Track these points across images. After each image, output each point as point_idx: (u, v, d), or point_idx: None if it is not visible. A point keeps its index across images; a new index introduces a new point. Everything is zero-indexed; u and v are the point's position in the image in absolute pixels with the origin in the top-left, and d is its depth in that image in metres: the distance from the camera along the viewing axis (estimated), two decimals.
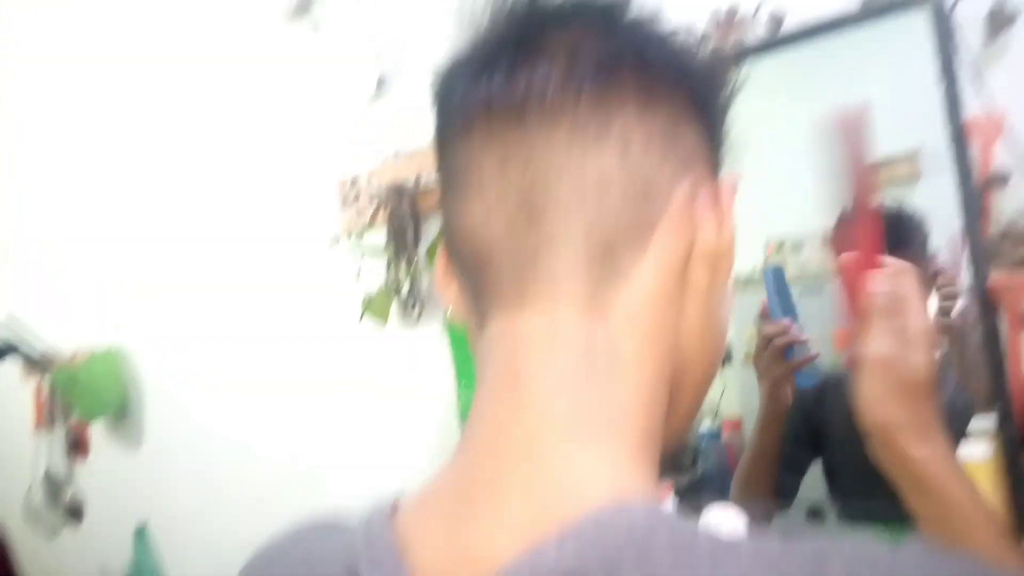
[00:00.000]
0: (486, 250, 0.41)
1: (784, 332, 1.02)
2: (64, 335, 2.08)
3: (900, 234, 0.97)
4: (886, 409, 0.54)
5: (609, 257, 0.39)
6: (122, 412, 2.02)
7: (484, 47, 0.42)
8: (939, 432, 0.55)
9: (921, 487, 0.54)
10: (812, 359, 1.02)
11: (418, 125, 0.87)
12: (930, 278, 0.98)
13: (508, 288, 0.40)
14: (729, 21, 1.14)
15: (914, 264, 0.94)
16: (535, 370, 0.39)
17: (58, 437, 2.20)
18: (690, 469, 1.21)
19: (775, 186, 1.16)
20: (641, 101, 0.39)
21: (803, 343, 1.02)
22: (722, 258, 0.42)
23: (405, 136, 1.42)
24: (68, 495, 2.19)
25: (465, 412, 1.28)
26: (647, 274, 0.40)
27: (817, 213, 0.83)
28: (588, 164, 0.39)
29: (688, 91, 0.42)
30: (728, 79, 0.44)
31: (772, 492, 1.09)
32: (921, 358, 0.54)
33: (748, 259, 1.14)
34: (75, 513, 2.18)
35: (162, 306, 1.95)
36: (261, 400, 1.73)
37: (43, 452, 2.23)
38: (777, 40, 1.09)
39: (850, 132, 0.55)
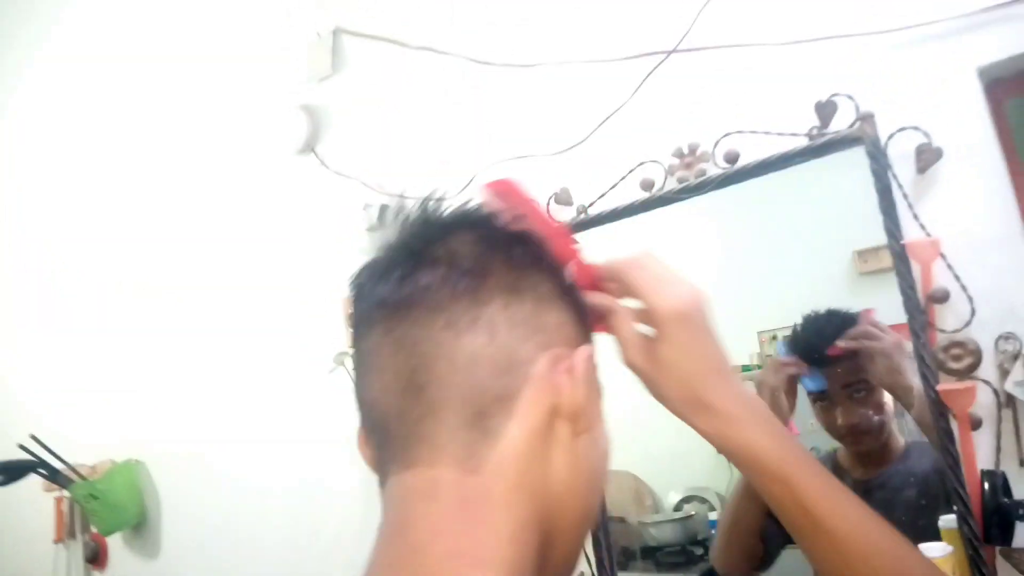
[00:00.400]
0: (384, 419, 0.50)
1: (794, 364, 1.18)
2: (83, 449, 2.15)
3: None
4: (668, 394, 0.58)
5: (480, 421, 0.47)
6: (140, 523, 2.09)
7: (385, 254, 0.53)
8: (720, 401, 0.56)
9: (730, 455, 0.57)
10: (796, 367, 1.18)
11: None
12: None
13: (400, 450, 0.49)
14: (691, 155, 1.27)
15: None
16: (418, 520, 0.46)
17: (77, 550, 2.26)
18: None
19: (758, 289, 1.28)
20: (507, 293, 0.49)
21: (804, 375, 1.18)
22: (580, 414, 0.49)
23: None
24: None
25: None
26: (514, 432, 0.48)
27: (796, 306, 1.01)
28: (461, 347, 0.48)
29: (552, 281, 0.52)
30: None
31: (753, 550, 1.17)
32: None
33: (745, 350, 1.29)
34: None
35: (177, 418, 2.04)
36: (274, 504, 1.79)
37: (62, 564, 2.28)
38: (733, 174, 1.21)
39: (502, 194, 0.57)
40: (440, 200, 0.53)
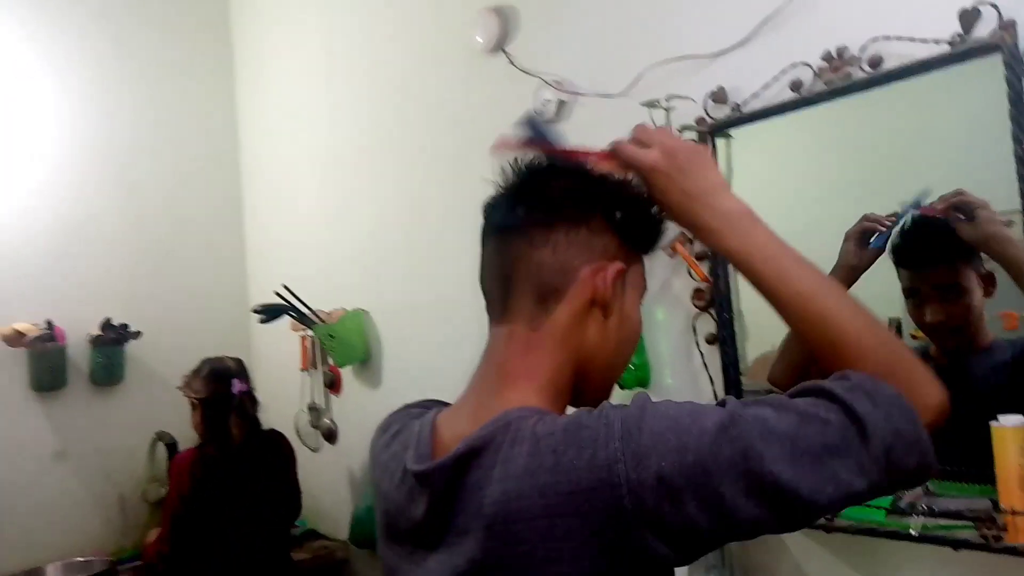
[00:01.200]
0: (490, 294, 0.81)
1: (877, 221, 1.30)
2: (321, 297, 2.65)
3: (955, 241, 1.20)
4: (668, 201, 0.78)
5: (542, 301, 0.76)
6: (366, 359, 2.57)
7: (500, 191, 0.80)
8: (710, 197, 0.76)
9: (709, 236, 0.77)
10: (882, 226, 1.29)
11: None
12: (983, 277, 1.20)
13: (496, 312, 0.80)
14: (839, 59, 1.36)
15: (967, 263, 1.20)
16: (501, 351, 0.78)
17: (318, 377, 2.81)
18: None
19: (889, 186, 1.37)
20: (569, 224, 0.75)
21: (884, 232, 1.29)
22: (609, 304, 0.76)
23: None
24: (326, 421, 2.79)
25: (626, 380, 1.64)
26: (562, 310, 0.76)
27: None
28: (534, 256, 0.76)
29: (605, 217, 0.77)
30: (643, 207, 0.79)
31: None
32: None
33: None
34: (330, 436, 2.77)
35: (393, 279, 2.46)
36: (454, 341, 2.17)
37: (307, 388, 2.85)
38: (876, 78, 1.30)
39: (513, 148, 0.81)
40: (539, 158, 0.79)
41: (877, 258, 1.29)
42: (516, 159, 0.79)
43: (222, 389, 2.30)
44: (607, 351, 0.78)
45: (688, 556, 0.64)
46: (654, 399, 0.67)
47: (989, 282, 1.23)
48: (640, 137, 0.80)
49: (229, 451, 2.25)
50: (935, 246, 1.24)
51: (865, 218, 1.30)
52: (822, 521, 1.34)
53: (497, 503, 0.65)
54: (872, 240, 1.28)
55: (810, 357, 0.74)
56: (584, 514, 0.61)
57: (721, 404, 0.66)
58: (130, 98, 2.99)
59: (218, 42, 3.28)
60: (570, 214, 0.76)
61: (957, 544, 1.17)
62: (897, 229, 1.27)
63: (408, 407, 0.89)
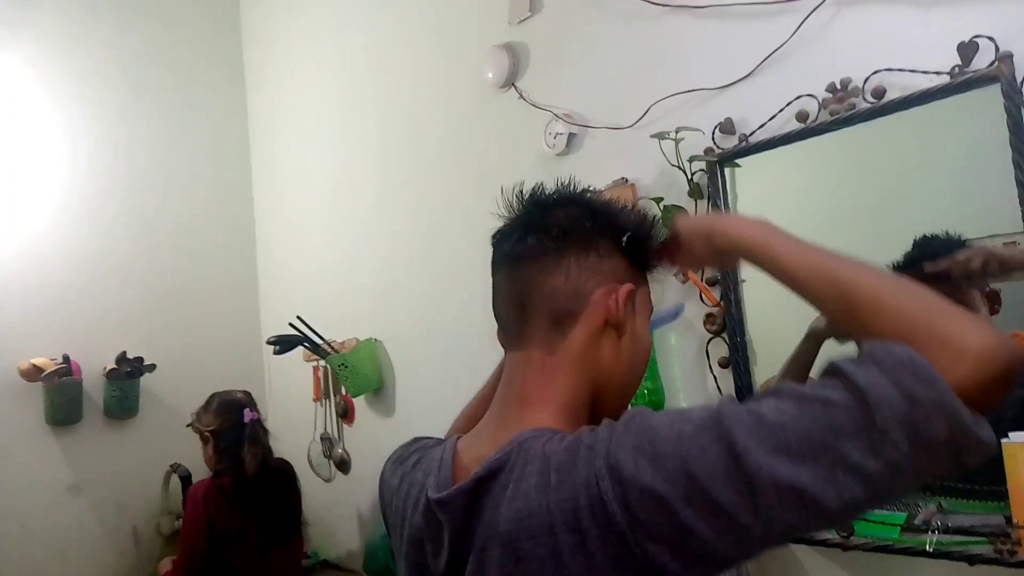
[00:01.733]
0: (506, 322, 0.83)
1: None
2: (336, 330, 2.69)
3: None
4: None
5: (557, 325, 0.79)
6: (380, 388, 2.60)
7: (509, 223, 0.84)
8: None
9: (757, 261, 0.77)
10: None
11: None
12: (987, 295, 1.24)
13: (513, 339, 0.82)
14: (843, 90, 1.42)
15: (971, 283, 1.23)
16: (519, 376, 0.80)
17: (331, 407, 2.83)
18: None
19: (893, 213, 1.42)
20: (579, 250, 0.79)
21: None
22: (621, 324, 0.79)
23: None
24: (338, 451, 2.80)
25: (634, 398, 1.67)
26: (578, 333, 0.78)
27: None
28: (548, 283, 0.79)
29: (612, 241, 0.81)
30: (647, 229, 0.83)
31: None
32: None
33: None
34: (343, 465, 2.78)
35: (406, 309, 2.50)
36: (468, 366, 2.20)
37: (320, 418, 2.86)
38: (879, 108, 1.36)
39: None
40: (544, 188, 0.84)
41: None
42: (520, 191, 0.85)
43: (233, 419, 2.33)
44: (621, 370, 0.81)
45: (703, 571, 0.60)
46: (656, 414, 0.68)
47: (994, 299, 1.27)
48: (682, 223, 0.87)
49: (244, 480, 2.27)
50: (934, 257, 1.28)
51: None
52: (838, 539, 1.37)
53: (510, 521, 0.67)
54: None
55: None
56: (584, 531, 0.62)
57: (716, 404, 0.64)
58: (144, 132, 3.05)
59: (231, 76, 3.36)
60: (579, 240, 0.80)
61: (972, 559, 1.20)
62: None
63: (417, 439, 0.91)
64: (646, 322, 0.85)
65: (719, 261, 0.86)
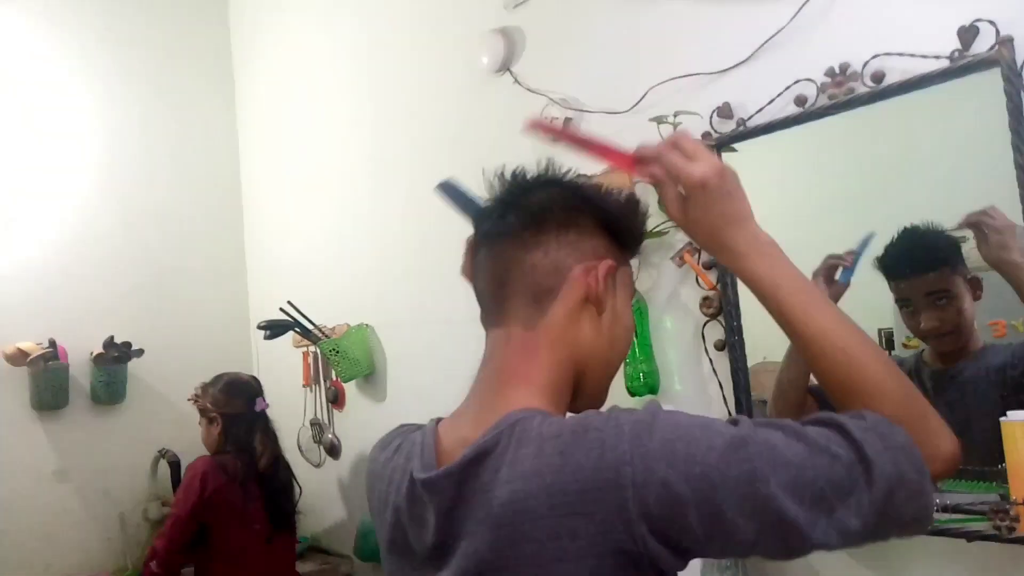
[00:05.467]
0: (485, 299, 0.83)
1: (840, 258, 1.39)
2: (325, 313, 2.67)
3: (940, 249, 1.27)
4: (693, 216, 0.78)
5: (536, 302, 0.78)
6: (371, 373, 2.59)
7: (491, 203, 0.83)
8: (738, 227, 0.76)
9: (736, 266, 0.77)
10: (846, 263, 1.38)
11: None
12: (969, 282, 1.26)
13: (492, 316, 0.82)
14: (842, 74, 1.42)
15: (955, 271, 1.25)
16: (499, 354, 0.80)
17: (321, 393, 2.82)
18: None
19: (890, 198, 1.44)
20: (559, 227, 0.79)
21: (848, 267, 1.38)
22: (600, 301, 0.78)
23: None
24: (328, 436, 2.80)
25: (629, 380, 1.68)
26: (557, 308, 0.78)
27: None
28: (527, 259, 0.78)
29: (593, 219, 0.80)
30: (628, 212, 0.82)
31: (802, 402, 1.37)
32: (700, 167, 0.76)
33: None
34: (333, 451, 2.78)
35: (397, 294, 2.49)
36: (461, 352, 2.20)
37: (310, 404, 2.86)
38: (878, 92, 1.36)
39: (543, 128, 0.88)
40: (525, 170, 0.84)
41: (844, 292, 1.37)
42: (502, 173, 0.84)
43: (244, 403, 2.32)
44: (602, 348, 0.81)
45: (684, 562, 0.66)
46: (665, 407, 0.70)
47: (976, 286, 1.30)
48: (685, 148, 0.77)
49: (251, 466, 2.26)
50: (922, 254, 1.31)
51: (829, 257, 1.40)
52: None
53: (505, 504, 0.67)
54: (838, 275, 1.38)
55: (804, 400, 0.77)
56: (589, 514, 0.63)
57: (733, 422, 0.67)
58: (132, 118, 3.02)
59: (220, 59, 3.32)
60: (559, 217, 0.79)
61: (970, 536, 1.22)
62: (859, 263, 1.37)
63: (403, 425, 0.90)
64: (628, 300, 0.84)
65: (708, 238, 0.80)
